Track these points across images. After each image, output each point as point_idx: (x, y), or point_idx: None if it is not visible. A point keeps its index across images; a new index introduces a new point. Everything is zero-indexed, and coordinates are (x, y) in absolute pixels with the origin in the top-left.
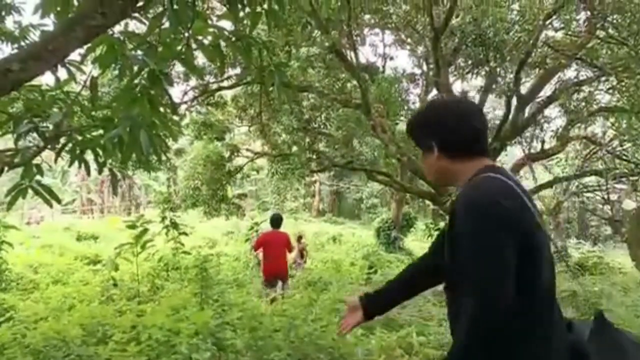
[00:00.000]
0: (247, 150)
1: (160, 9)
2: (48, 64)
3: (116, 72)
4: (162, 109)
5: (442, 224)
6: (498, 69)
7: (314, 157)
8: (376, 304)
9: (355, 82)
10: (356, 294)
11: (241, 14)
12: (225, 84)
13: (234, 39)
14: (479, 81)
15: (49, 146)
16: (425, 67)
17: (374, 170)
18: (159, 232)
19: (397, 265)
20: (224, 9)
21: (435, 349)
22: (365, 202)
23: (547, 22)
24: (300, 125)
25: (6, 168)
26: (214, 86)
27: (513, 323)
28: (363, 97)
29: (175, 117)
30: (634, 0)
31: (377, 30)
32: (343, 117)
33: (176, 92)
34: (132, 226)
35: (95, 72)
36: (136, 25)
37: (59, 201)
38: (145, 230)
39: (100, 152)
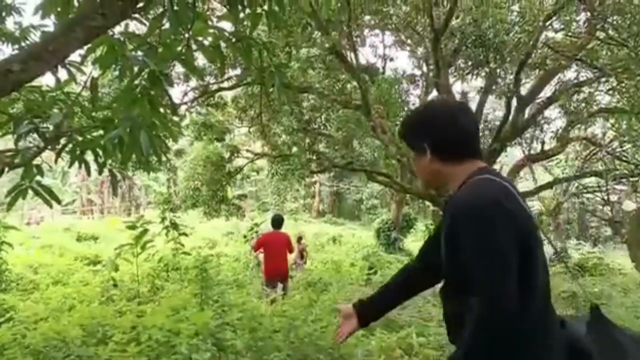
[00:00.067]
0: (247, 151)
1: (161, 9)
2: (48, 64)
3: (116, 72)
4: (162, 110)
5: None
6: (498, 70)
7: (314, 158)
8: (370, 311)
9: (355, 83)
10: (352, 300)
11: (241, 15)
12: (225, 84)
13: (234, 40)
14: (479, 82)
15: (49, 147)
16: (425, 68)
17: (374, 171)
18: (159, 232)
19: (397, 266)
20: (224, 9)
21: (435, 349)
22: (365, 203)
23: (547, 23)
24: (301, 126)
25: (6, 169)
26: (214, 87)
27: (514, 323)
28: (363, 98)
29: (176, 118)
30: (634, 2)
31: (377, 31)
32: (343, 118)
33: (176, 92)
34: (132, 227)
35: (96, 73)
36: (136, 26)
37: (59, 202)
38: (145, 231)
39: (101, 153)
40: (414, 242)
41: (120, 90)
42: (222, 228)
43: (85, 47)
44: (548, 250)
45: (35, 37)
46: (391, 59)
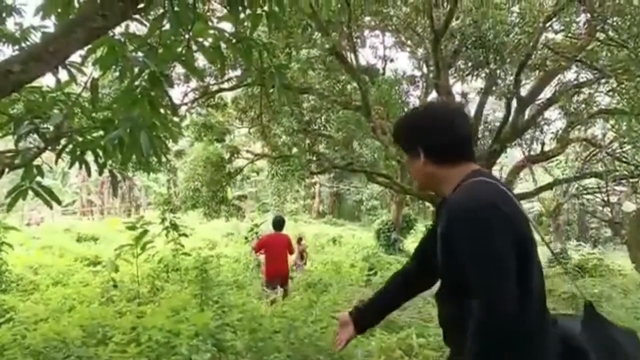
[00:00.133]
0: (247, 151)
1: (161, 10)
2: (49, 65)
3: (117, 73)
4: (162, 111)
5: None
6: (498, 71)
7: (314, 158)
8: (366, 317)
9: (355, 84)
10: (352, 301)
11: (242, 15)
12: (225, 85)
13: (234, 40)
14: (479, 83)
15: (50, 147)
16: (425, 69)
17: (374, 172)
18: (159, 233)
19: (397, 266)
20: (225, 10)
21: (435, 350)
22: (365, 204)
23: (547, 24)
24: (301, 127)
25: (7, 169)
26: (215, 88)
27: (513, 326)
28: (363, 99)
29: (176, 119)
30: (633, 3)
31: (377, 32)
32: (343, 119)
33: (176, 93)
34: (132, 227)
35: (96, 74)
36: (137, 27)
37: (59, 202)
38: (145, 232)
39: (101, 154)
40: (414, 243)
41: (120, 91)
42: (222, 229)
43: (86, 48)
44: (544, 250)
45: (35, 38)
46: (391, 60)
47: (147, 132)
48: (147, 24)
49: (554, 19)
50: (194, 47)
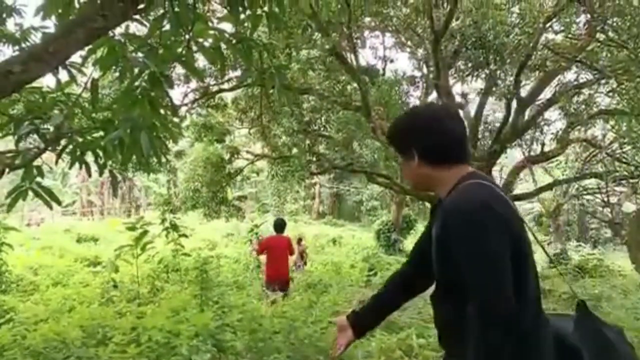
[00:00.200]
0: (247, 152)
1: (161, 11)
2: (49, 65)
3: (117, 74)
4: (162, 111)
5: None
6: (498, 72)
7: (314, 159)
8: (364, 321)
9: (355, 85)
10: (352, 302)
11: (242, 16)
12: (225, 86)
13: (234, 41)
14: (479, 84)
15: (50, 148)
16: (425, 70)
17: (374, 173)
18: (159, 234)
19: (397, 267)
20: (225, 11)
21: (435, 350)
22: (365, 205)
23: (547, 25)
24: (301, 127)
25: (7, 170)
26: (215, 88)
27: (511, 326)
28: (363, 100)
29: (176, 119)
30: (633, 4)
31: (377, 32)
32: (343, 120)
33: (176, 94)
34: (132, 228)
35: (96, 74)
36: (137, 28)
37: (59, 203)
38: (145, 232)
39: (101, 154)
40: (414, 244)
41: (120, 91)
42: (222, 229)
43: (86, 49)
44: (538, 250)
45: (36, 38)
46: (391, 61)
47: (147, 133)
48: (147, 25)
49: (554, 20)
50: (194, 48)
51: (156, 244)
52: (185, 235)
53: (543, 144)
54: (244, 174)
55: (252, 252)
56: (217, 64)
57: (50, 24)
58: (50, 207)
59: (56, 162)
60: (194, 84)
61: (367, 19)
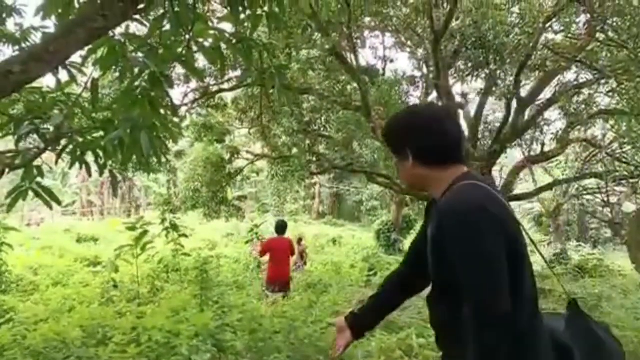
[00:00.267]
0: (247, 152)
1: (161, 11)
2: (49, 65)
3: (117, 74)
4: (162, 111)
5: None
6: (498, 72)
7: (314, 159)
8: (362, 322)
9: (355, 85)
10: (352, 302)
11: (242, 16)
12: (225, 86)
13: (234, 41)
14: (479, 84)
15: (50, 148)
16: (425, 70)
17: (374, 173)
18: (159, 234)
19: (397, 267)
20: (225, 11)
21: (434, 351)
22: (365, 205)
23: (547, 25)
24: (301, 127)
25: (7, 170)
26: (215, 88)
27: (508, 327)
28: (363, 100)
29: (176, 119)
30: (633, 3)
31: (377, 32)
32: (343, 120)
33: (176, 94)
34: (132, 228)
35: (96, 74)
36: (137, 28)
37: (59, 203)
38: (145, 232)
39: (101, 154)
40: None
41: (120, 91)
42: (222, 229)
43: (86, 49)
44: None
45: (36, 38)
46: (391, 61)
47: (148, 133)
48: (148, 25)
49: (554, 20)
50: (195, 48)
51: (156, 244)
52: (185, 235)
53: (543, 144)
54: (244, 174)
55: (252, 252)
56: (217, 64)
57: (50, 24)
58: (50, 207)
59: (56, 162)
60: (194, 84)
61: (367, 19)
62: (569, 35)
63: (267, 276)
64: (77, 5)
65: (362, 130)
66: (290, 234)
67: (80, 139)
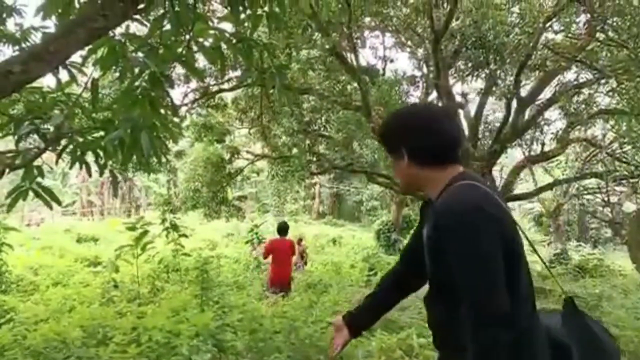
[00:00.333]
0: (248, 152)
1: (162, 11)
2: (49, 65)
3: (117, 74)
4: (162, 111)
5: None
6: (498, 72)
7: (314, 159)
8: (360, 321)
9: (355, 85)
10: (352, 301)
11: (242, 16)
12: (225, 86)
13: (234, 41)
14: (479, 84)
15: (50, 148)
16: (425, 70)
17: (374, 173)
18: (159, 234)
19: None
20: (225, 11)
21: (435, 351)
22: (365, 205)
23: (547, 24)
24: (301, 127)
25: (7, 170)
26: (215, 88)
27: (506, 326)
28: (363, 100)
29: (176, 119)
30: (633, 3)
31: (377, 32)
32: (343, 120)
33: (177, 94)
34: (132, 228)
35: (96, 74)
36: (137, 28)
37: (59, 203)
38: (146, 232)
39: (101, 154)
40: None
41: (120, 91)
42: (222, 229)
43: (87, 48)
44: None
45: (36, 38)
46: (391, 61)
47: (148, 133)
48: (148, 25)
49: (554, 20)
50: (195, 48)
51: (156, 244)
52: (185, 235)
53: (543, 144)
54: (244, 174)
55: (253, 253)
56: (217, 64)
57: (50, 24)
58: (50, 207)
59: (56, 162)
60: (194, 84)
61: (367, 19)
62: (569, 35)
63: (270, 278)
64: (77, 5)
65: (362, 130)
66: (290, 234)
67: (81, 139)
